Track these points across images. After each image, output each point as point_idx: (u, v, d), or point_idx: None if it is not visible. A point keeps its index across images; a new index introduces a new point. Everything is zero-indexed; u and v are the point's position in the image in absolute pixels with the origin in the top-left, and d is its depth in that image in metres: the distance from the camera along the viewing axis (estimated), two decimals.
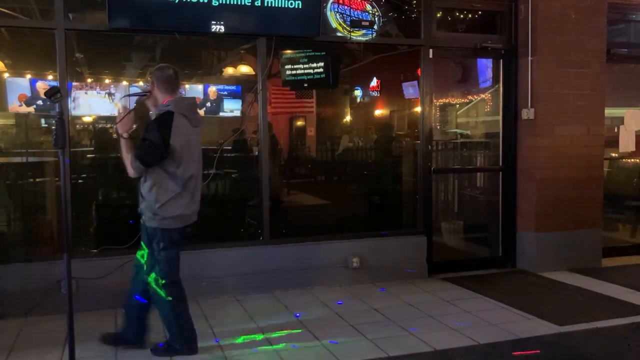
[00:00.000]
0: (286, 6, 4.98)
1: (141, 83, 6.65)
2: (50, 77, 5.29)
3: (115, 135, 4.48)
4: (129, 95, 4.02)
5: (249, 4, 4.88)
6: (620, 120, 6.69)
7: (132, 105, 3.88)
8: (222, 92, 6.17)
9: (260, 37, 5.13)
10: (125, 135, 3.54)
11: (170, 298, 3.62)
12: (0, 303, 4.40)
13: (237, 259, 5.11)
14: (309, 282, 5.24)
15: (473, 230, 6.62)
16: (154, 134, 3.47)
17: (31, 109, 5.25)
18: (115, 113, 5.30)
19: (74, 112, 5.50)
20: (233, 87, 6.25)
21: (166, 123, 3.50)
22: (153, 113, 3.69)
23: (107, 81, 6.42)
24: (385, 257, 5.52)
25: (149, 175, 3.53)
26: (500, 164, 6.14)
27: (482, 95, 6.92)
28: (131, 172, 3.51)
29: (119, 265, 4.66)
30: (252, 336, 4.05)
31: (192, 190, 3.64)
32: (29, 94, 5.25)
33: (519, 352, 3.74)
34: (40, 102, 5.18)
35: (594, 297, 4.99)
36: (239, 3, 4.86)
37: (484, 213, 6.45)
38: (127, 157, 3.51)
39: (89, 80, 6.27)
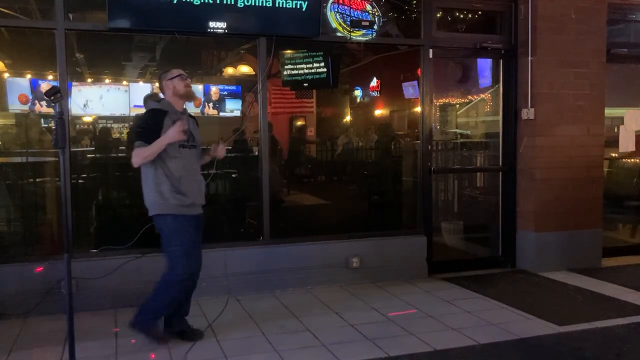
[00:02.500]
0: (286, 6, 4.98)
1: (141, 83, 6.65)
2: (50, 77, 5.29)
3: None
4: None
5: (249, 4, 4.88)
6: (620, 120, 6.69)
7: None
8: (222, 92, 6.18)
9: (260, 37, 5.13)
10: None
11: None
12: (0, 303, 4.40)
13: (237, 258, 5.11)
14: (309, 282, 5.24)
15: (473, 230, 6.62)
16: None
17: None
18: None
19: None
20: (233, 87, 6.26)
21: None
22: (183, 113, 3.90)
23: (107, 81, 6.43)
24: (385, 257, 5.52)
25: None
26: (500, 164, 6.14)
27: (482, 95, 6.92)
28: None
29: (119, 265, 4.68)
30: (252, 336, 4.05)
31: None
32: (29, 94, 5.26)
33: None
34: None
35: (594, 297, 4.99)
36: (239, 3, 4.86)
37: (484, 213, 6.45)
38: None
39: (89, 79, 6.27)
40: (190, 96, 3.93)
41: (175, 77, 3.84)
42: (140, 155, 3.60)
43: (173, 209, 3.72)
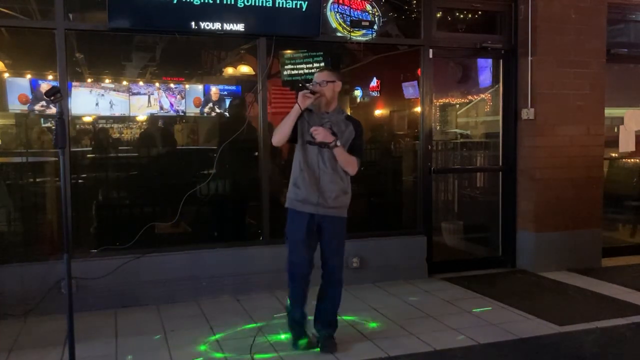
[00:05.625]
0: (286, 6, 4.98)
1: (141, 83, 6.63)
2: (50, 77, 5.28)
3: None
4: (305, 87, 3.69)
5: (249, 4, 4.89)
6: (620, 120, 6.69)
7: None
8: (222, 92, 6.17)
9: (260, 37, 5.14)
10: (338, 144, 3.64)
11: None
12: (0, 303, 4.40)
13: (237, 259, 5.11)
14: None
15: (473, 230, 6.62)
16: (363, 141, 3.92)
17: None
18: None
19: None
20: (233, 87, 6.25)
21: None
22: (330, 115, 3.76)
23: (107, 81, 6.42)
24: (385, 257, 5.52)
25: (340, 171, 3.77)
26: (500, 164, 6.14)
27: (482, 95, 6.92)
28: (356, 171, 3.80)
29: (119, 265, 4.68)
30: (252, 336, 4.05)
31: None
32: (29, 94, 5.25)
33: None
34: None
35: (594, 297, 4.99)
36: (239, 3, 4.86)
37: (484, 213, 6.45)
38: (350, 160, 3.71)
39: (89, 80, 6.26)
40: (317, 104, 3.75)
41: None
42: (274, 133, 3.73)
43: (289, 203, 3.81)
